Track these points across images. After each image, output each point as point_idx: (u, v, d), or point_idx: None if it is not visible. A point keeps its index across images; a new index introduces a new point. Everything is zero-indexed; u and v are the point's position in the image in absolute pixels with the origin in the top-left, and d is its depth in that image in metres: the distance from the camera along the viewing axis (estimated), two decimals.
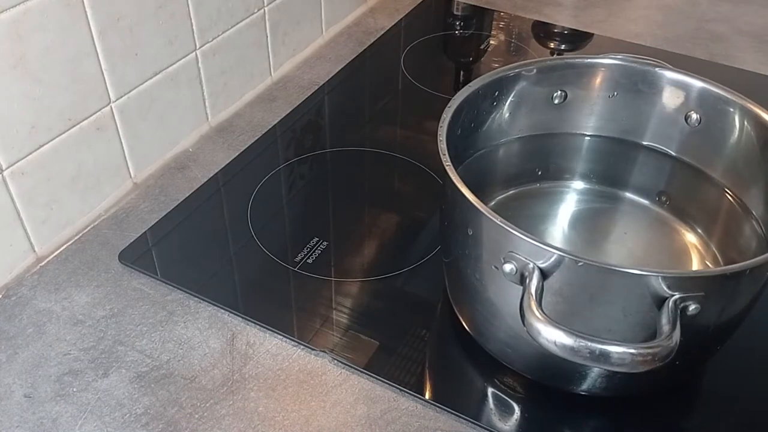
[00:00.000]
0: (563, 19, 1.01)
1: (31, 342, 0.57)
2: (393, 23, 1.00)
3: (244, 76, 0.83)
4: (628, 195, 0.63)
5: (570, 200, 0.64)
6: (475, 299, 0.53)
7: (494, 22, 1.03)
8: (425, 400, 0.54)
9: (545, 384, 0.54)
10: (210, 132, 0.80)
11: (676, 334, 0.42)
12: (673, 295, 0.43)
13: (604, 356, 0.41)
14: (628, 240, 0.61)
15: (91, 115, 0.65)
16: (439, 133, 0.52)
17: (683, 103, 0.59)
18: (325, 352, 0.57)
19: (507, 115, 0.61)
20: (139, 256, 0.64)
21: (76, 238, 0.67)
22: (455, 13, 1.05)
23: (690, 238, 0.59)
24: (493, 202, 0.62)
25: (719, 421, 0.54)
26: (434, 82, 0.89)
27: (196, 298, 0.61)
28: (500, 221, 0.46)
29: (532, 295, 0.44)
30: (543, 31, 1.01)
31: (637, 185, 0.63)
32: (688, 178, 0.61)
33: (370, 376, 0.55)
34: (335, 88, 0.87)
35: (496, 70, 0.59)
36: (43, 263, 0.64)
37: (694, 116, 0.59)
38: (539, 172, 0.64)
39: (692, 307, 0.44)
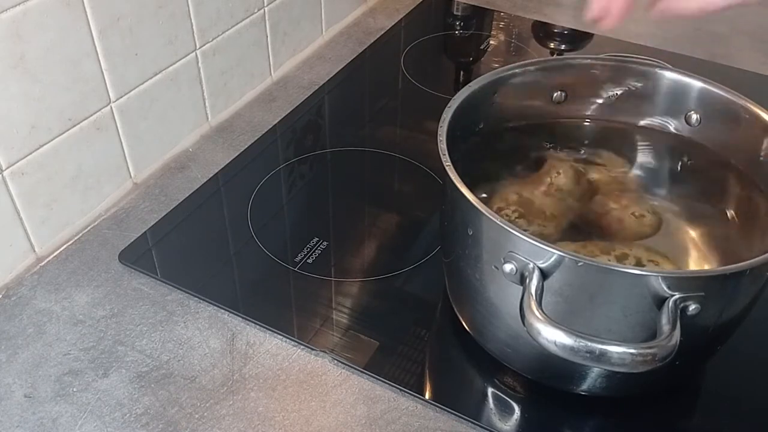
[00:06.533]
0: (563, 19, 1.01)
1: (31, 342, 0.57)
2: (393, 23, 1.00)
3: (244, 76, 0.83)
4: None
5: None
6: (475, 299, 0.53)
7: (494, 22, 1.03)
8: (425, 400, 0.54)
9: (545, 384, 0.54)
10: (210, 132, 0.80)
11: (676, 334, 0.42)
12: (673, 295, 0.43)
13: (604, 356, 0.41)
14: None
15: (91, 115, 0.65)
16: (439, 133, 0.52)
17: (683, 103, 0.59)
18: (325, 352, 0.57)
19: (507, 115, 0.61)
20: (139, 256, 0.64)
21: (76, 238, 0.67)
22: (455, 13, 1.05)
23: (696, 228, 0.59)
24: (495, 196, 0.61)
25: (719, 421, 0.54)
26: (434, 82, 0.89)
27: (196, 298, 0.61)
28: (500, 221, 0.46)
29: (532, 295, 0.44)
30: (543, 31, 1.01)
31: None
32: (691, 170, 0.61)
33: (370, 376, 0.55)
34: (335, 88, 0.87)
35: (496, 70, 0.59)
36: (43, 263, 0.64)
37: (694, 116, 0.59)
38: (538, 164, 0.64)
39: (692, 307, 0.44)
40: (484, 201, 0.56)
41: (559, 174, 0.60)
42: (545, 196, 0.58)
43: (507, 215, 0.55)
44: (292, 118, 0.82)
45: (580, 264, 0.44)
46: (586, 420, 0.54)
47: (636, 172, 0.61)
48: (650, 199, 0.59)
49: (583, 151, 0.63)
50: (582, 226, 0.57)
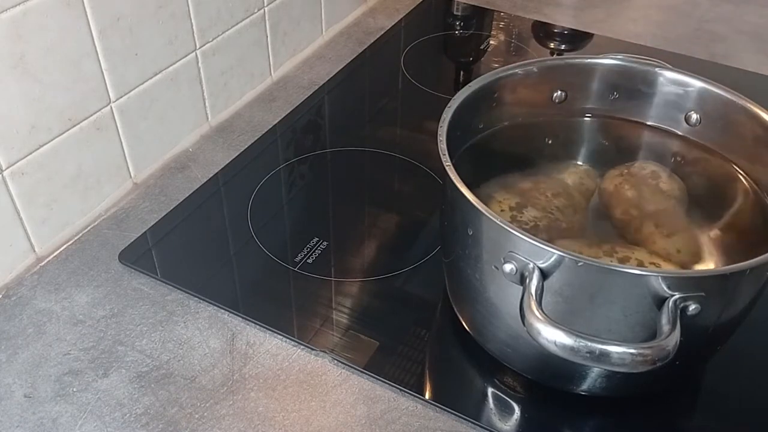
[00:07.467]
0: (563, 19, 1.01)
1: (31, 342, 0.57)
2: (393, 23, 1.00)
3: (244, 76, 0.83)
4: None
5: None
6: (475, 299, 0.53)
7: (494, 22, 1.03)
8: (425, 400, 0.54)
9: (545, 384, 0.54)
10: (210, 132, 0.80)
11: (676, 334, 0.42)
12: (673, 295, 0.43)
13: (604, 356, 0.41)
14: None
15: (91, 115, 0.65)
16: (439, 133, 0.52)
17: (683, 103, 0.59)
18: (325, 352, 0.57)
19: (506, 115, 0.61)
20: (139, 256, 0.64)
21: (76, 238, 0.67)
22: (455, 13, 1.05)
23: (695, 227, 0.59)
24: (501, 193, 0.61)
25: (719, 421, 0.54)
26: (434, 82, 0.89)
27: (196, 298, 0.61)
28: (500, 221, 0.46)
29: (532, 295, 0.44)
30: (543, 31, 1.01)
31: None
32: (691, 170, 0.61)
33: (370, 376, 0.55)
34: (335, 88, 0.87)
35: (495, 70, 0.59)
36: (43, 263, 0.64)
37: (694, 116, 0.59)
38: (539, 163, 0.64)
39: (692, 307, 0.44)
40: (496, 198, 0.56)
41: (569, 172, 0.60)
42: (554, 194, 0.58)
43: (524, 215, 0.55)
44: (292, 118, 0.82)
45: (580, 264, 0.44)
46: (586, 420, 0.54)
47: (635, 170, 0.61)
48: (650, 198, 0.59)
49: (583, 151, 0.64)
50: (594, 226, 0.57)
